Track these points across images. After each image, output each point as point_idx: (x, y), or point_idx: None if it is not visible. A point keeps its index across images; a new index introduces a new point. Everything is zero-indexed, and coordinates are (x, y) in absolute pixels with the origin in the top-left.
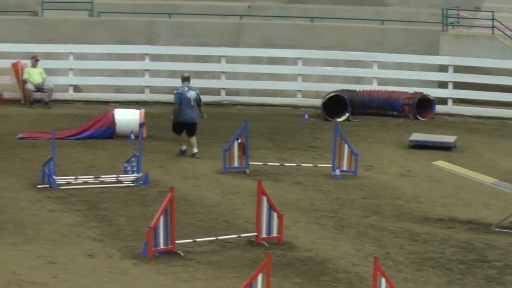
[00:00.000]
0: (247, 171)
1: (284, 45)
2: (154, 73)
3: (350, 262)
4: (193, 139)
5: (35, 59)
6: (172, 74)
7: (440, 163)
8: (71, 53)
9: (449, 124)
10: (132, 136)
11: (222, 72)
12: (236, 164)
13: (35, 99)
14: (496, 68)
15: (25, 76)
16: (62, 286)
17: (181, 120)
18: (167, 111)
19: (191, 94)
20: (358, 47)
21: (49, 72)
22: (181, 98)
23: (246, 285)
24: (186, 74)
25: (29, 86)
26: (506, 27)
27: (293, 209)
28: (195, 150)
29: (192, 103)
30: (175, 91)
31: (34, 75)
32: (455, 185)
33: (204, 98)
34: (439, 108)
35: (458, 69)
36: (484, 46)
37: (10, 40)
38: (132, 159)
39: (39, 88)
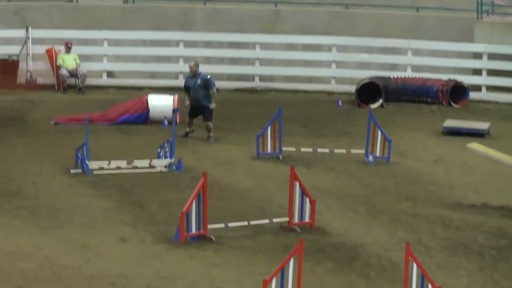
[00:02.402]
0: (281, 157)
1: (319, 32)
2: (189, 60)
3: (382, 248)
4: (208, 125)
5: (67, 46)
6: (207, 60)
7: (474, 145)
8: (105, 39)
9: (483, 111)
10: (166, 122)
11: (257, 58)
12: (269, 150)
13: (69, 85)
14: None
15: (59, 62)
16: (94, 270)
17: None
18: None
19: (194, 82)
20: (393, 34)
21: (84, 58)
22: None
23: (277, 270)
24: (191, 63)
25: (63, 71)
26: None
27: (326, 195)
28: (209, 135)
29: (197, 88)
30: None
31: (68, 61)
32: (488, 172)
33: (238, 84)
34: (473, 95)
35: (492, 56)
36: None
37: (44, 26)
38: (166, 145)
39: (72, 74)
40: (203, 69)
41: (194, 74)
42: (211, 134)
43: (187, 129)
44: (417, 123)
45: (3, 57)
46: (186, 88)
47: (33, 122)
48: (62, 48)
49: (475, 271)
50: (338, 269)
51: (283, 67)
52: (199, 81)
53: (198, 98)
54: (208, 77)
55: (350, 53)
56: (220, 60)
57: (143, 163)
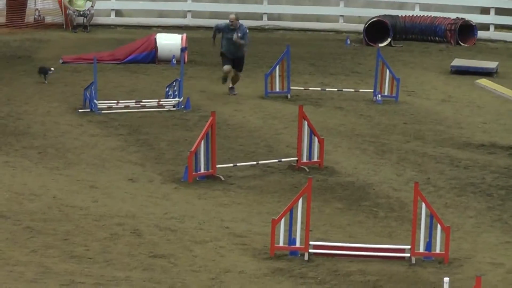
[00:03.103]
0: (289, 96)
1: None
2: None
3: (391, 187)
4: (238, 75)
5: None
6: None
7: (483, 81)
8: None
9: (491, 50)
10: (174, 61)
11: None
12: (277, 89)
13: (78, 24)
14: None
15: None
16: (103, 210)
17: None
18: (209, 36)
19: (232, 35)
20: None
21: None
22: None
23: (286, 210)
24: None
25: (70, 11)
26: None
27: (335, 134)
28: (233, 86)
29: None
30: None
31: (78, 1)
32: (496, 111)
33: (247, 23)
34: (481, 34)
35: None
36: None
37: None
38: (174, 84)
39: (81, 13)
40: (210, 7)
41: (234, 27)
42: (235, 86)
43: (225, 78)
44: (425, 61)
45: None
46: (218, 32)
47: (41, 61)
48: None
49: (483, 211)
50: (347, 209)
51: (291, 6)
52: (240, 34)
53: (236, 50)
54: (247, 30)
55: None
56: None
57: (152, 102)
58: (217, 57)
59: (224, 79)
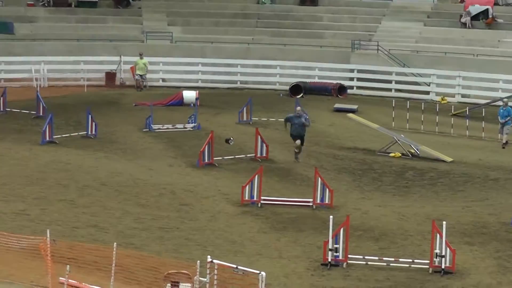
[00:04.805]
0: (251, 122)
1: (271, 59)
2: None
3: (304, 171)
4: (301, 147)
5: (140, 54)
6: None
7: (351, 115)
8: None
9: (355, 99)
10: (192, 104)
11: (238, 72)
12: (245, 119)
13: (139, 86)
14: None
15: (134, 65)
16: (155, 181)
17: (293, 133)
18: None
19: (298, 120)
20: (306, 59)
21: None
22: (290, 122)
23: (249, 181)
24: (298, 108)
25: (137, 76)
26: None
27: (278, 142)
28: (298, 156)
29: (301, 125)
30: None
31: (139, 64)
32: (357, 130)
33: (227, 85)
34: (349, 91)
35: (359, 71)
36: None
37: (129, 55)
38: (192, 116)
39: (142, 77)
40: (212, 77)
41: (299, 115)
42: (300, 155)
43: (296, 152)
44: (320, 105)
45: (108, 70)
46: (287, 121)
47: (123, 104)
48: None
49: (350, 182)
50: (282, 180)
51: (250, 76)
52: (303, 120)
53: (300, 131)
54: (308, 117)
55: (287, 70)
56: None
57: (180, 125)
58: (220, 104)
59: (297, 149)
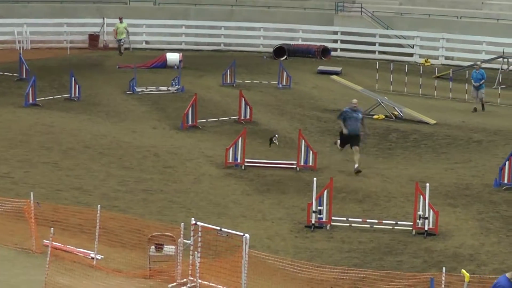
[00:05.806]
0: (234, 85)
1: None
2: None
3: (285, 131)
4: (358, 148)
5: (119, 18)
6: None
7: (335, 77)
8: (144, 24)
9: (338, 61)
10: (175, 67)
11: (222, 34)
12: (229, 81)
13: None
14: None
15: (114, 28)
16: (139, 143)
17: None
18: (195, 54)
19: (356, 115)
20: (286, 21)
21: (132, 33)
22: (345, 116)
23: (232, 143)
24: (354, 100)
25: (120, 42)
26: None
27: (262, 104)
28: (356, 164)
29: (357, 120)
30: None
31: (120, 28)
32: (340, 92)
33: (211, 47)
34: (333, 53)
35: (343, 33)
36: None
37: (112, 17)
38: (176, 78)
39: (120, 41)
40: (195, 39)
41: (356, 109)
42: (358, 162)
43: (356, 167)
44: (304, 67)
45: (92, 32)
46: (343, 117)
47: (106, 67)
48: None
49: (333, 144)
50: (267, 142)
51: (235, 38)
52: (360, 115)
53: (356, 128)
54: (362, 115)
55: (270, 32)
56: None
57: (164, 88)
58: (203, 67)
59: (341, 145)
